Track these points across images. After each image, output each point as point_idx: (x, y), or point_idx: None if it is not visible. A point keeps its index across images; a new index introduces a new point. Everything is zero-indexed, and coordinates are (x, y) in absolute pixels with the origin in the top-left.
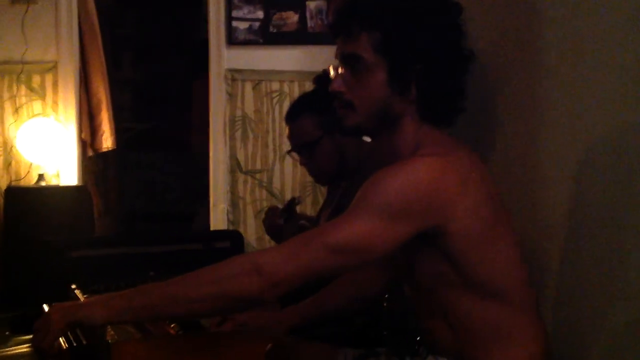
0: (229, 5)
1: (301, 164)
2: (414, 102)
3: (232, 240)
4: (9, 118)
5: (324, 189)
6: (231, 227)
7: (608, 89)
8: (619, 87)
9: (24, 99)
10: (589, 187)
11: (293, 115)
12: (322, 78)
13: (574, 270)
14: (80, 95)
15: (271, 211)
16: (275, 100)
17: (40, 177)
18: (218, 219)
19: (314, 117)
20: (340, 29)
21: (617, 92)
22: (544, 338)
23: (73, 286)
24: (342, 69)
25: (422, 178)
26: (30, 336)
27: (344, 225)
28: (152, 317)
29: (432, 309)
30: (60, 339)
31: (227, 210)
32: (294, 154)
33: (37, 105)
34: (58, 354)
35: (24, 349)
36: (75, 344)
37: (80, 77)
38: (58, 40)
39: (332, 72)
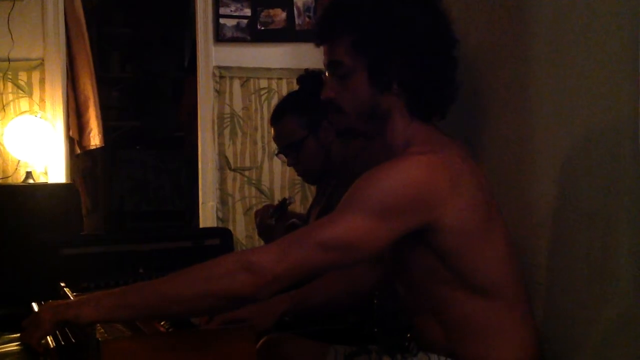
0: (216, 3)
1: (289, 165)
2: (399, 96)
3: (222, 237)
4: None
5: (313, 187)
6: (220, 225)
7: (598, 86)
8: (609, 83)
9: (10, 97)
10: (578, 184)
11: (277, 117)
12: (305, 78)
13: (564, 267)
14: (67, 93)
15: (263, 211)
16: (263, 98)
17: (28, 174)
18: (207, 217)
19: (298, 117)
20: (321, 39)
21: (607, 89)
22: (535, 335)
23: (62, 284)
24: (328, 76)
25: (413, 176)
26: (19, 334)
27: (335, 223)
28: (143, 316)
29: (423, 306)
30: (48, 337)
31: (217, 208)
32: (281, 156)
33: (24, 103)
34: (46, 352)
35: (12, 347)
36: (63, 343)
37: (67, 74)
38: (45, 38)
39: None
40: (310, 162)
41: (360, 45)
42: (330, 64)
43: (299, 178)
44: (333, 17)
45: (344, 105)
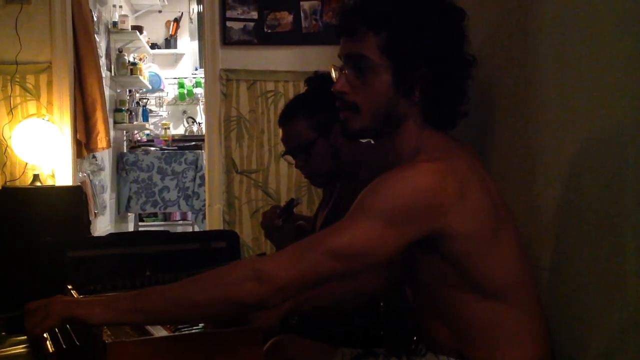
0: (223, 6)
1: (296, 167)
2: (417, 104)
3: (228, 240)
4: (3, 118)
5: (320, 190)
6: (227, 227)
7: (604, 90)
8: (614, 87)
9: (18, 100)
10: (585, 186)
11: (286, 118)
12: (313, 80)
13: (569, 271)
14: (74, 96)
15: (269, 212)
16: (270, 101)
17: (36, 177)
18: (214, 219)
19: (308, 119)
20: (346, 28)
21: (612, 93)
22: (546, 337)
23: (69, 286)
24: (346, 69)
25: (422, 183)
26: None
27: (345, 230)
28: (152, 321)
29: (432, 310)
30: (48, 342)
31: (223, 211)
32: (289, 157)
33: (31, 106)
34: (47, 355)
35: (20, 349)
36: (64, 346)
37: (75, 77)
38: (52, 41)
39: (333, 73)
40: (320, 164)
41: (392, 45)
42: (353, 56)
43: (306, 181)
44: (366, 9)
45: (359, 102)
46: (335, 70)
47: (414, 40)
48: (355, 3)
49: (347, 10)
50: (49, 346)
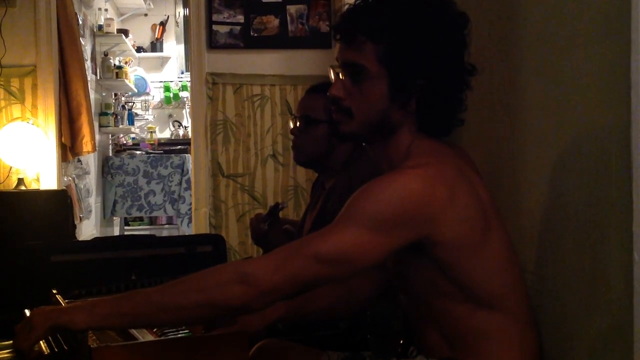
0: (209, 10)
1: (291, 132)
2: (412, 114)
3: (214, 244)
4: None
5: (306, 193)
6: (213, 231)
7: (590, 93)
8: (598, 90)
9: (2, 103)
10: (569, 192)
11: (316, 90)
12: None
13: (554, 275)
14: (59, 99)
15: (255, 220)
16: (256, 104)
17: (20, 181)
18: (200, 223)
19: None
20: (345, 35)
21: (596, 95)
22: (537, 343)
23: (54, 291)
24: (342, 74)
25: (411, 190)
26: (11, 342)
27: (332, 235)
28: (136, 325)
29: (425, 317)
30: (42, 343)
31: (209, 214)
32: (292, 120)
33: (16, 109)
34: (38, 358)
35: (4, 354)
36: (56, 349)
37: (60, 80)
38: (37, 44)
39: (332, 74)
40: (311, 143)
41: (390, 56)
42: (350, 64)
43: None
44: (366, 18)
45: (354, 109)
46: (333, 72)
47: (412, 52)
48: (354, 10)
49: (347, 17)
50: (44, 348)
